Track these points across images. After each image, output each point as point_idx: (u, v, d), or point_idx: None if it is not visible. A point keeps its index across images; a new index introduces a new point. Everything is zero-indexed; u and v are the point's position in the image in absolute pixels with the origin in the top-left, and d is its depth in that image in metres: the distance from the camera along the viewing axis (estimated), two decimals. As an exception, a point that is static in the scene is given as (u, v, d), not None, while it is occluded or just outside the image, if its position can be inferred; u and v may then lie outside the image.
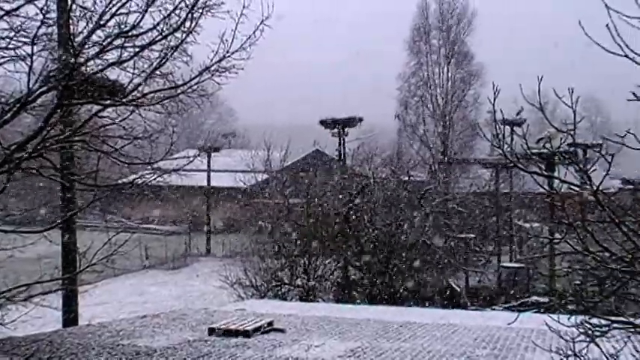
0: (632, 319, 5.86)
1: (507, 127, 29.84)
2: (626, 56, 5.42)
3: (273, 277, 24.02)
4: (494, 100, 6.27)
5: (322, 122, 36.92)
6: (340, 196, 26.18)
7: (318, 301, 23.43)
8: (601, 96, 69.62)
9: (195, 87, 11.42)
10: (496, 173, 36.50)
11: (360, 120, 37.05)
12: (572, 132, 6.14)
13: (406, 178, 28.61)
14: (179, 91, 11.44)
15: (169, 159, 12.50)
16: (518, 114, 33.57)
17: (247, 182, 42.35)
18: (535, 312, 15.60)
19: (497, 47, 70.23)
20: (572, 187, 6.14)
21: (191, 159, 12.67)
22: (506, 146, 6.50)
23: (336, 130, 36.69)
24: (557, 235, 7.32)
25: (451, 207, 30.15)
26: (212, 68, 11.10)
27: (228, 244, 40.44)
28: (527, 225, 32.67)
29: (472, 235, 31.68)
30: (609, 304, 6.10)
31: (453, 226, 30.80)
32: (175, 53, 11.09)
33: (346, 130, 36.71)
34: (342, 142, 36.34)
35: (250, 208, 33.04)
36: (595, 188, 5.88)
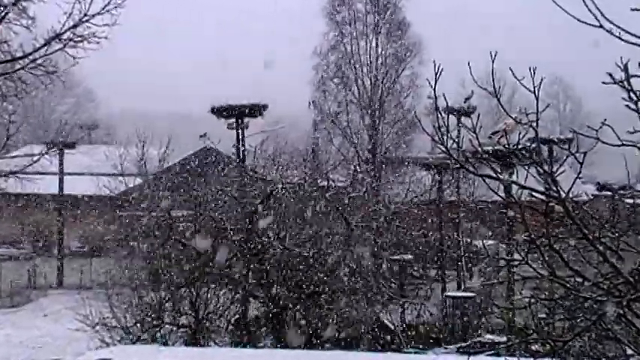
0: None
1: (453, 118, 30.48)
2: (601, 27, 5.56)
3: (150, 315, 23.68)
4: (436, 82, 6.33)
5: (214, 110, 36.66)
6: (239, 207, 26.05)
7: (209, 345, 23.22)
8: (572, 78, 71.98)
9: (40, 60, 11.11)
10: (439, 177, 37.21)
11: (265, 107, 37.03)
12: (534, 123, 6.25)
13: (324, 183, 28.74)
14: (18, 65, 11.10)
15: (5, 157, 12.11)
16: (466, 100, 34.27)
17: (115, 189, 41.58)
18: (490, 354, 15.89)
19: (441, 15, 71.66)
20: (534, 194, 6.25)
21: (36, 158, 12.34)
22: (451, 142, 6.56)
23: (232, 120, 36.51)
24: (516, 256, 7.45)
25: (382, 220, 30.47)
26: (64, 36, 10.83)
27: (88, 271, 39.64)
28: (479, 243, 33.40)
29: (409, 256, 32.14)
30: (583, 343, 6.24)
31: (385, 244, 31.15)
32: (11, 14, 10.74)
33: (246, 120, 36.59)
34: (240, 136, 36.22)
35: (119, 224, 32.41)
36: (563, 195, 6.01)
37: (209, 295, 24.27)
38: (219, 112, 36.74)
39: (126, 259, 27.24)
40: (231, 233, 25.31)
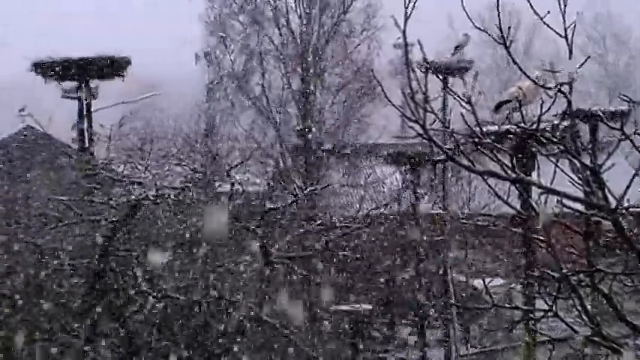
0: None
1: (436, 79, 30.63)
2: None
3: None
4: (407, 21, 6.35)
5: (39, 67, 36.31)
6: (84, 228, 25.89)
7: None
8: (628, 14, 72.32)
9: None
10: (413, 176, 37.42)
11: (125, 64, 36.80)
12: (565, 87, 6.32)
13: (226, 188, 28.68)
14: None
15: None
16: (457, 50, 34.55)
17: None
18: None
19: None
20: (568, 202, 6.30)
21: None
22: (432, 119, 6.58)
23: (71, 84, 36.23)
24: (539, 304, 7.52)
25: (322, 247, 30.54)
26: None
27: None
28: (480, 282, 33.67)
29: (367, 307, 32.24)
30: None
31: (327, 287, 31.27)
32: None
33: (95, 84, 36.33)
34: (85, 110, 35.97)
35: None
36: (614, 204, 6.08)
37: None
38: (47, 70, 36.32)
39: None
40: (72, 271, 25.16)
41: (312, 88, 46.50)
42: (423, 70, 7.40)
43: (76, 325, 24.72)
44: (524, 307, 9.36)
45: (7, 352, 24.17)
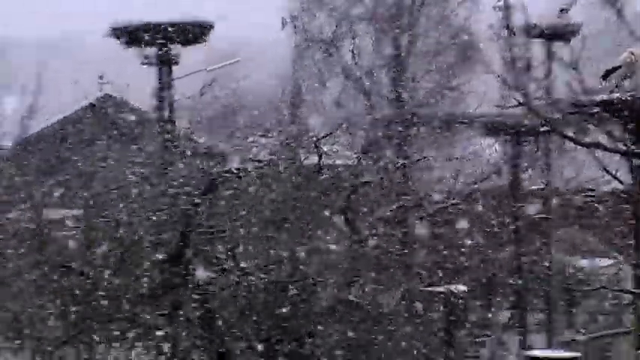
0: None
1: (539, 44, 30.32)
2: None
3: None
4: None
5: (118, 32, 36.50)
6: (163, 203, 25.97)
7: None
8: None
9: None
10: (514, 148, 37.14)
11: (208, 29, 36.85)
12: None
13: (314, 160, 28.62)
14: None
15: None
16: (562, 13, 34.21)
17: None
18: None
19: None
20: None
21: None
22: (535, 87, 6.50)
23: (151, 50, 36.35)
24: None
25: (416, 224, 30.45)
26: None
27: None
28: (586, 263, 33.36)
29: (462, 288, 32.11)
30: None
31: (422, 266, 31.14)
32: None
33: (175, 50, 36.43)
34: (166, 77, 36.07)
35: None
36: None
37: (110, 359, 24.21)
38: (126, 35, 36.49)
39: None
40: (151, 248, 25.25)
41: (405, 53, 46.24)
42: (526, 34, 7.29)
43: (155, 304, 24.85)
44: (635, 290, 9.23)
45: (83, 333, 24.35)
